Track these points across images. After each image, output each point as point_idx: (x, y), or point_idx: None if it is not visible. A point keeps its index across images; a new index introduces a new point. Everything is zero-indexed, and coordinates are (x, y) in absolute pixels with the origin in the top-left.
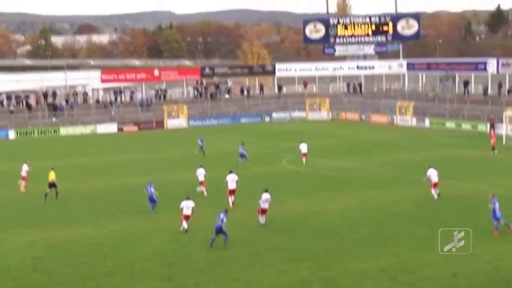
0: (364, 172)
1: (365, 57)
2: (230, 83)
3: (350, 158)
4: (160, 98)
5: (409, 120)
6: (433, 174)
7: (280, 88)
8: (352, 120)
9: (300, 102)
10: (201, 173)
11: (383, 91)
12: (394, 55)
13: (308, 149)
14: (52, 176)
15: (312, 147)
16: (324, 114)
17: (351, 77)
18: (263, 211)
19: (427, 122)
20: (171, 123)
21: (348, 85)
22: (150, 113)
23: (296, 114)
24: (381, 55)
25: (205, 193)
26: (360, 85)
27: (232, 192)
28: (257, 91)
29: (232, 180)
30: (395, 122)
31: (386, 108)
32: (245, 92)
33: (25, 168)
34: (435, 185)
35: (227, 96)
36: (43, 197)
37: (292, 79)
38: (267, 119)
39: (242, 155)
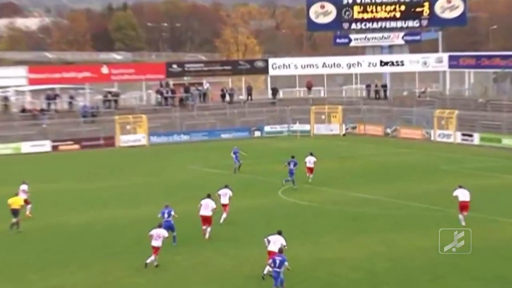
0: (389, 206)
1: (391, 49)
2: (206, 85)
3: (370, 187)
4: (110, 105)
5: (452, 135)
6: (462, 194)
7: (275, 91)
8: (374, 135)
9: (302, 111)
10: (226, 194)
11: (415, 96)
12: (431, 47)
13: (316, 163)
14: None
15: (319, 173)
16: (335, 127)
17: (372, 77)
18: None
19: (476, 138)
20: (125, 140)
21: (368, 87)
22: (96, 125)
23: (297, 127)
24: (414, 46)
25: (222, 218)
26: (384, 87)
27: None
28: (244, 95)
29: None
30: (432, 138)
31: (420, 119)
32: (227, 97)
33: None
34: (464, 207)
35: (202, 102)
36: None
37: (291, 79)
38: (257, 133)
39: (237, 158)
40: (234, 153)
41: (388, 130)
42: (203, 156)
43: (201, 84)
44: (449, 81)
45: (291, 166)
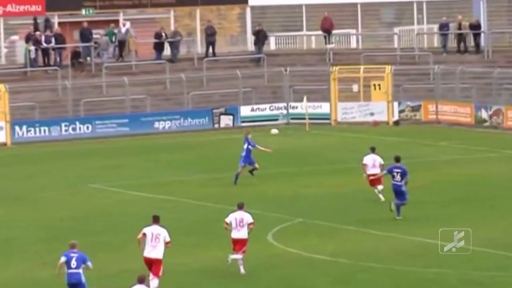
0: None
1: None
2: (126, 26)
3: (457, 221)
4: None
5: None
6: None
7: (261, 38)
8: (456, 122)
9: (314, 77)
10: (246, 219)
11: None
12: None
13: (383, 164)
14: None
15: (351, 200)
16: (379, 107)
17: (453, 8)
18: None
19: None
20: None
21: (444, 29)
22: None
23: (304, 107)
24: None
25: (242, 270)
26: (476, 28)
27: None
28: (200, 46)
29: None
30: None
31: None
32: (167, 50)
33: None
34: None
35: (116, 60)
36: None
37: (292, 13)
38: (225, 121)
39: (247, 157)
40: (248, 144)
41: (484, 114)
42: (118, 165)
43: (115, 24)
44: None
45: (398, 178)
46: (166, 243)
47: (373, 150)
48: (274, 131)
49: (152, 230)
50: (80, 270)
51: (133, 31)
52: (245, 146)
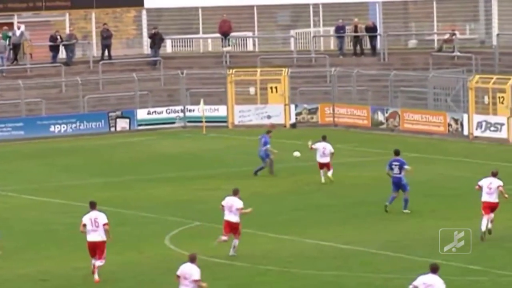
0: None
1: None
2: (20, 29)
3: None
4: None
5: (504, 127)
6: (487, 185)
7: (157, 40)
8: (353, 125)
9: (210, 79)
10: (231, 207)
11: (433, 48)
12: None
13: (333, 153)
14: None
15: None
16: (275, 109)
17: (350, 11)
18: None
19: None
20: None
21: (340, 31)
22: None
23: (201, 110)
24: None
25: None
26: (372, 31)
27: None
28: (95, 49)
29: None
30: (465, 132)
31: (441, 93)
32: (62, 53)
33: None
34: (490, 207)
35: (11, 64)
36: None
37: (189, 16)
38: (122, 124)
39: (266, 155)
40: (264, 144)
41: (381, 116)
42: (13, 170)
43: (9, 27)
44: (498, 18)
45: (396, 170)
46: (104, 225)
47: (324, 138)
48: (297, 153)
49: (90, 216)
50: None
51: (27, 34)
52: (262, 145)
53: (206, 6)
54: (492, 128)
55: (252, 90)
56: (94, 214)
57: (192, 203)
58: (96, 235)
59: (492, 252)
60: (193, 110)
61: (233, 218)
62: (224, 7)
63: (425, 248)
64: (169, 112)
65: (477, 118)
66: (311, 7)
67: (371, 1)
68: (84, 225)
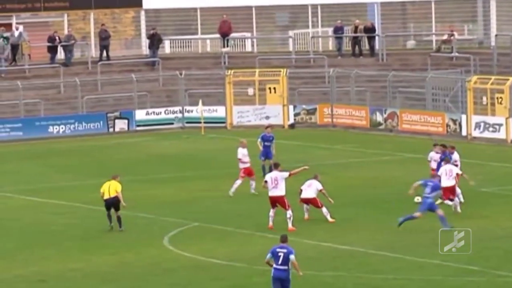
0: None
1: None
2: (19, 30)
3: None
4: None
5: (503, 127)
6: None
7: (155, 41)
8: (351, 125)
9: (209, 80)
10: (281, 175)
11: (431, 49)
12: None
13: (322, 191)
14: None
15: None
16: (273, 110)
17: (348, 12)
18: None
19: None
20: None
21: (338, 32)
22: None
23: (200, 111)
24: None
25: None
26: (370, 31)
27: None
28: (94, 50)
29: (274, 181)
30: (463, 132)
31: (439, 94)
32: (61, 54)
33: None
34: (449, 191)
35: (10, 64)
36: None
37: (187, 17)
38: (120, 125)
39: (266, 153)
40: (264, 140)
41: (379, 117)
42: (12, 170)
43: (7, 28)
44: (496, 18)
45: (428, 191)
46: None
47: (315, 177)
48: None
49: (270, 175)
50: None
51: (26, 34)
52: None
53: (205, 6)
54: (490, 129)
55: (250, 90)
56: (274, 174)
57: (190, 203)
58: (277, 191)
59: (489, 253)
60: (192, 111)
61: (310, 194)
62: (222, 8)
63: (423, 248)
64: (168, 113)
65: (475, 118)
66: (309, 7)
67: (369, 2)
68: (266, 182)
